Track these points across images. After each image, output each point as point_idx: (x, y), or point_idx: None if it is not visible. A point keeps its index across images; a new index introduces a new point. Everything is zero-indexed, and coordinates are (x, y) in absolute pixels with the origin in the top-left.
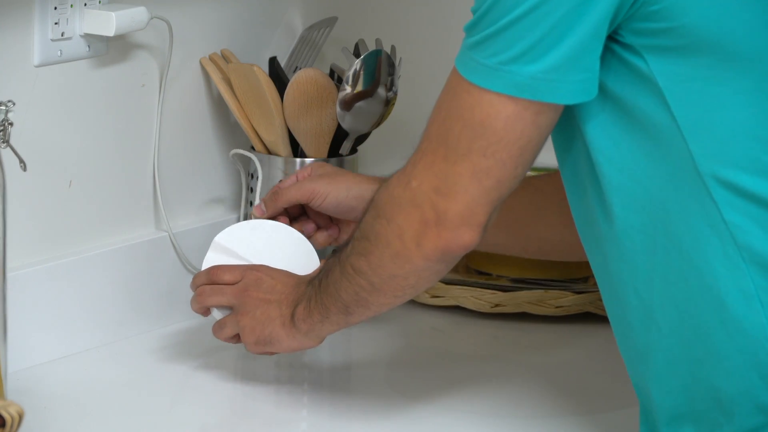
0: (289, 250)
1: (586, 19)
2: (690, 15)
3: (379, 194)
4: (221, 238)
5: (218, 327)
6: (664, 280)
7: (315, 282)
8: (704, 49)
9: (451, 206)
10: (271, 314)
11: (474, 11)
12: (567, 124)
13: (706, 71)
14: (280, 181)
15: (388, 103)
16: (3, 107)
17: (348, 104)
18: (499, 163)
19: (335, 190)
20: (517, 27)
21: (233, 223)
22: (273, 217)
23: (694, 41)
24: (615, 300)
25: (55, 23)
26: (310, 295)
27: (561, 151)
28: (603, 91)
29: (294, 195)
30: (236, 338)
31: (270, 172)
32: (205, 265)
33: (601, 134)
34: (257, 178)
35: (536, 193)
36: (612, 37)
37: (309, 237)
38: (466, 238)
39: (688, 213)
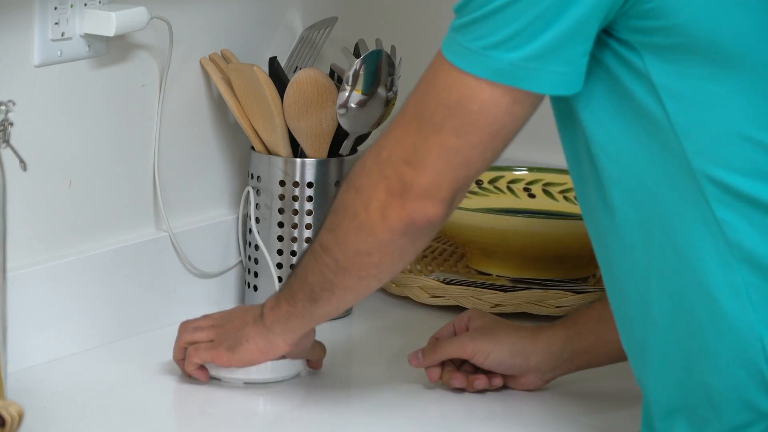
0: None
1: (571, 12)
2: (683, 14)
3: (354, 166)
4: None
5: (193, 329)
6: (660, 274)
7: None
8: (698, 49)
9: (418, 178)
10: (245, 319)
11: None
12: (569, 118)
13: (699, 70)
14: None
15: (388, 103)
16: (3, 107)
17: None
18: (468, 145)
19: (497, 349)
20: (504, 14)
21: (233, 223)
22: (431, 368)
23: (688, 40)
24: (617, 293)
25: (55, 23)
26: (281, 286)
27: (565, 143)
28: (601, 85)
29: (454, 351)
30: (182, 361)
31: (270, 172)
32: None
33: (599, 128)
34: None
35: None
36: (609, 33)
37: (479, 388)
38: (429, 210)
39: (681, 209)
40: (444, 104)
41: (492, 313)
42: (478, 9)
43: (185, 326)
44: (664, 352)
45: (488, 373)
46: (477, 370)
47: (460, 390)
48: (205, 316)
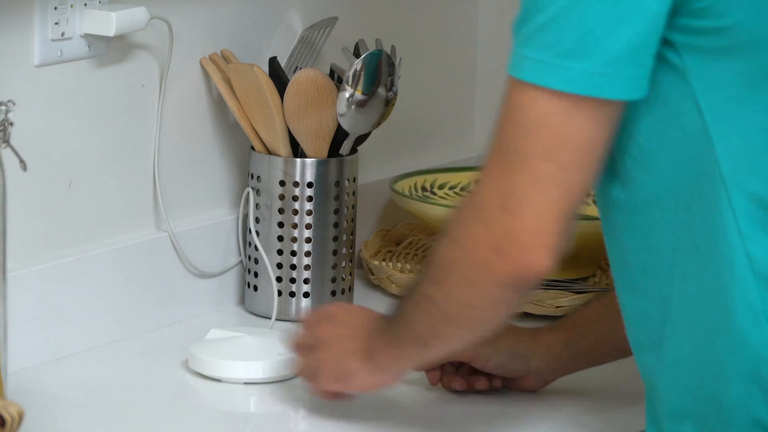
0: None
1: (641, 10)
2: (733, 17)
3: (451, 216)
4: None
5: (307, 348)
6: (683, 278)
7: (389, 314)
8: (743, 54)
9: (518, 224)
10: (346, 348)
11: (521, 6)
12: None
13: (742, 78)
14: None
15: (388, 103)
16: (3, 107)
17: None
18: (561, 168)
19: (498, 353)
20: (567, 17)
21: (233, 223)
22: (431, 371)
23: (734, 44)
24: (633, 289)
25: (55, 23)
26: (385, 327)
27: None
28: None
29: (454, 355)
30: (308, 375)
31: (270, 172)
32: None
33: (627, 127)
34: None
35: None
36: None
37: (480, 389)
38: (537, 262)
39: (707, 216)
40: (524, 127)
41: None
42: (539, 14)
43: (300, 342)
44: (678, 355)
45: (488, 375)
46: (476, 371)
47: (460, 391)
48: (316, 326)
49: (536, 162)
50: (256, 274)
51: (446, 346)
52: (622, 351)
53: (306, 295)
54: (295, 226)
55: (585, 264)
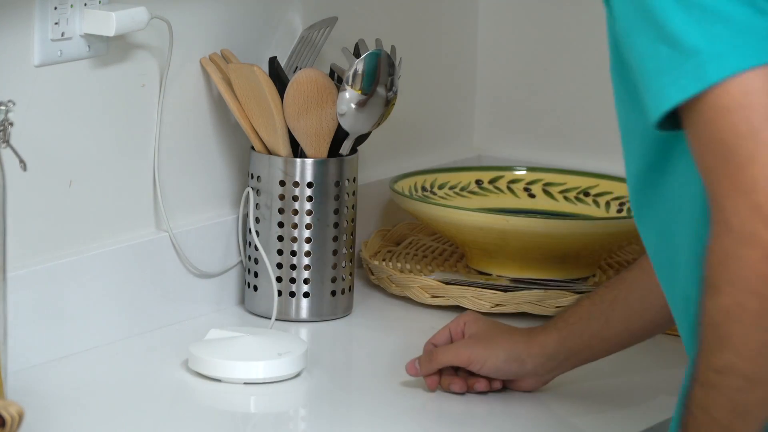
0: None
1: None
2: None
3: (704, 269)
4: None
5: None
6: None
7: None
8: None
9: None
10: None
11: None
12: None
13: None
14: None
15: (388, 103)
16: (3, 107)
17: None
18: None
19: (493, 356)
20: (696, 14)
21: (233, 223)
22: (429, 376)
23: None
24: (678, 276)
25: (55, 23)
26: None
27: (625, 135)
28: None
29: (450, 359)
30: None
31: (270, 172)
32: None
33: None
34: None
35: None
36: None
37: (477, 390)
38: None
39: None
40: (729, 111)
41: (490, 315)
42: (688, 18)
43: None
44: None
45: (487, 376)
46: (474, 372)
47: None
48: None
49: (766, 132)
50: (256, 274)
51: (756, 421)
52: (615, 346)
53: (306, 295)
54: (295, 226)
55: (585, 264)
